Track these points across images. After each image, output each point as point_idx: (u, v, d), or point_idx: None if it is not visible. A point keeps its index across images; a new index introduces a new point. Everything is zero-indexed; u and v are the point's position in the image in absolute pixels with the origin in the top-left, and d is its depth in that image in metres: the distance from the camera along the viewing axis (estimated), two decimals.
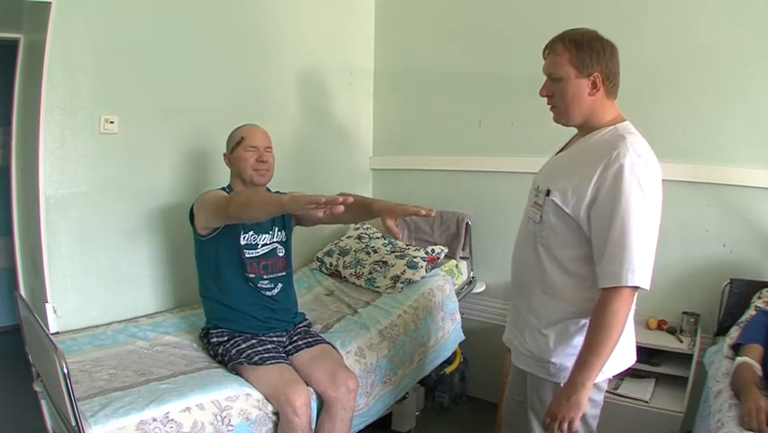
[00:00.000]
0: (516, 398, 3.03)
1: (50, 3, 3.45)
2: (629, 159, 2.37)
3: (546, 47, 2.64)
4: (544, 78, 2.68)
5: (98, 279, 3.85)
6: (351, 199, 2.48)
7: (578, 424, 2.47)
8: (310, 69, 5.29)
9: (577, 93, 2.56)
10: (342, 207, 2.49)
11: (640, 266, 2.36)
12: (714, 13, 4.02)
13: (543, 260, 2.63)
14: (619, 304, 2.37)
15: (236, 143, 3.63)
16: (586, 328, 2.52)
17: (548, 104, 2.69)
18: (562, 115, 2.66)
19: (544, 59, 2.66)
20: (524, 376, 2.88)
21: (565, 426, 2.44)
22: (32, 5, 3.48)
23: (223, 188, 3.68)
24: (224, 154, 3.73)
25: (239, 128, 3.71)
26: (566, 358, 2.58)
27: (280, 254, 3.72)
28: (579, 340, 2.54)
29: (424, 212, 2.86)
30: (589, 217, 2.46)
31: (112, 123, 3.81)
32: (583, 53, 2.51)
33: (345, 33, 5.68)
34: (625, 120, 2.61)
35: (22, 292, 3.97)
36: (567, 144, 2.82)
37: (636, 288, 2.39)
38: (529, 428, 2.82)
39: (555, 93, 2.62)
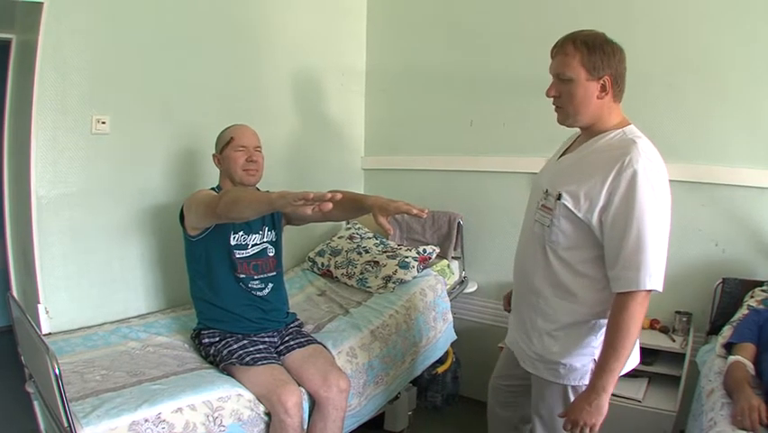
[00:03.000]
0: (505, 385, 3.16)
1: (43, 3, 3.45)
2: (642, 164, 2.39)
3: (555, 46, 2.63)
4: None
5: (90, 279, 3.85)
6: (339, 196, 2.47)
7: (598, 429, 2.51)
8: (302, 68, 5.29)
9: (586, 95, 2.55)
10: (330, 205, 2.49)
11: (655, 270, 2.40)
12: (706, 13, 4.03)
13: (552, 263, 2.65)
14: (636, 307, 2.40)
15: (225, 143, 3.62)
16: (595, 328, 2.60)
17: (554, 104, 2.68)
18: (568, 117, 2.65)
19: (552, 58, 2.64)
20: (514, 361, 2.96)
21: (587, 431, 2.47)
22: (24, 5, 3.47)
23: (212, 189, 3.68)
24: (213, 155, 3.72)
25: (228, 128, 3.71)
26: (575, 358, 2.64)
27: (270, 254, 3.72)
28: (589, 340, 2.61)
29: (415, 211, 2.87)
30: (602, 222, 2.48)
31: (103, 123, 3.80)
32: (595, 56, 2.51)
33: (337, 33, 5.68)
34: (630, 123, 2.63)
35: (15, 293, 3.96)
36: (570, 146, 2.81)
37: (650, 291, 2.43)
38: (533, 428, 2.87)
39: (563, 94, 2.61)
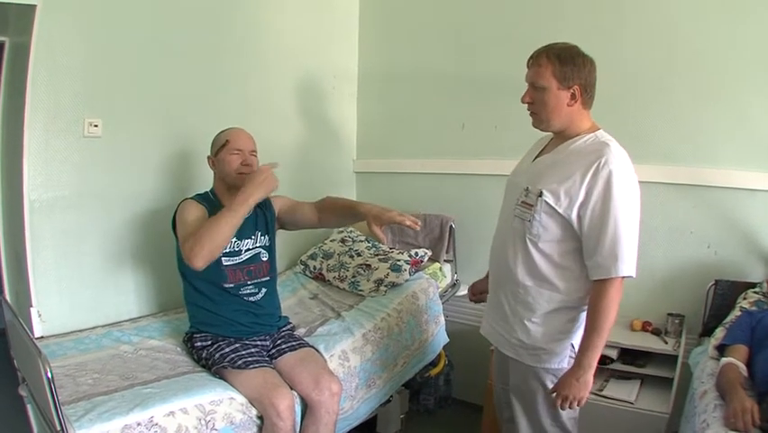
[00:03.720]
0: (502, 386, 3.23)
1: (36, 5, 3.44)
2: (616, 165, 2.64)
3: (531, 57, 2.85)
4: (527, 83, 2.85)
5: (82, 283, 3.83)
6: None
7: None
8: (294, 71, 5.30)
9: (557, 103, 2.80)
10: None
11: (629, 258, 2.66)
12: (696, 14, 4.05)
13: (532, 255, 2.84)
14: (614, 292, 2.66)
15: (221, 146, 3.60)
16: (573, 314, 2.85)
17: (529, 110, 2.89)
18: (541, 122, 2.89)
19: (528, 68, 2.86)
20: (507, 363, 3.08)
21: (575, 404, 2.71)
22: (17, 8, 3.46)
23: (206, 192, 3.69)
24: (208, 157, 3.71)
25: (224, 131, 3.69)
26: (555, 343, 2.88)
27: (264, 259, 3.71)
28: (568, 326, 2.88)
29: (408, 222, 3.05)
30: (580, 216, 2.69)
31: (96, 126, 3.79)
32: (566, 67, 2.75)
33: (330, 36, 5.68)
34: (599, 128, 2.88)
35: (7, 296, 3.96)
36: (544, 149, 3.03)
37: (625, 277, 2.67)
38: (513, 411, 3.04)
39: (536, 101, 2.85)
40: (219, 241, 3.09)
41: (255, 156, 3.68)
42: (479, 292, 3.47)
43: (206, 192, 3.70)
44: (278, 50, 5.09)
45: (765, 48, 3.86)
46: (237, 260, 3.58)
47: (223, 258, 3.51)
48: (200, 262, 3.08)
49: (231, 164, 3.56)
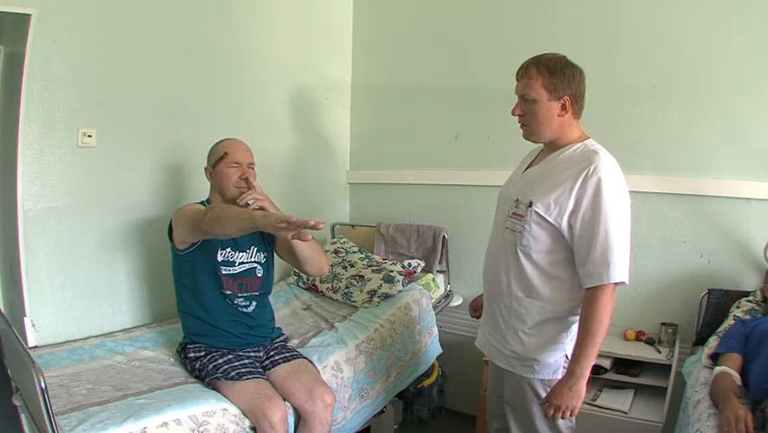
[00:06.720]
0: (496, 397, 3.22)
1: (30, 15, 3.44)
2: (605, 172, 2.65)
3: (520, 70, 2.87)
4: (516, 96, 2.88)
5: (76, 293, 3.82)
6: (322, 226, 2.47)
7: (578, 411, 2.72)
8: (288, 83, 5.30)
9: (548, 114, 2.80)
10: (310, 236, 2.53)
11: (621, 264, 2.65)
12: (690, 25, 4.08)
13: (524, 266, 2.84)
14: (607, 299, 2.64)
15: (219, 158, 3.58)
16: (565, 325, 2.85)
17: (519, 122, 2.90)
18: (532, 133, 2.90)
19: (517, 80, 2.87)
20: (501, 374, 3.07)
21: (568, 414, 2.67)
22: (12, 17, 3.45)
23: (201, 202, 3.66)
24: (206, 168, 3.69)
25: (221, 142, 3.67)
26: (548, 354, 2.85)
27: (259, 275, 3.69)
28: (560, 337, 2.85)
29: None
30: (570, 225, 2.69)
31: (90, 136, 3.78)
32: (556, 78, 2.77)
33: (323, 48, 5.69)
34: (589, 137, 2.89)
35: (1, 306, 3.95)
36: (534, 160, 3.04)
37: (618, 283, 2.66)
38: (507, 423, 3.02)
39: (527, 113, 2.86)
40: (228, 219, 2.94)
41: (253, 168, 3.66)
42: (479, 308, 3.41)
43: (202, 202, 3.68)
44: (271, 63, 5.10)
45: (758, 56, 3.90)
46: (231, 270, 3.56)
47: (221, 266, 3.52)
48: (207, 221, 3.03)
49: (229, 177, 3.55)
